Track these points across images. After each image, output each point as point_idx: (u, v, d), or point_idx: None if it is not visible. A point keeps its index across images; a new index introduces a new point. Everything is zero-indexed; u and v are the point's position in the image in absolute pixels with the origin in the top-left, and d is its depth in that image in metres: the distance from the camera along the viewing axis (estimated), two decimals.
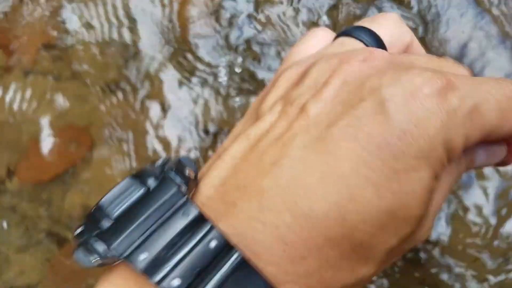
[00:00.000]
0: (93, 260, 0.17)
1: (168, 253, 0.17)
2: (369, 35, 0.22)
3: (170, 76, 0.46)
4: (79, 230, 0.18)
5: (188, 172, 0.18)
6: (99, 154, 0.46)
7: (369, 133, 0.17)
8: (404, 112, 0.17)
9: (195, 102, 0.45)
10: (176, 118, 0.45)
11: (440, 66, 0.20)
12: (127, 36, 0.48)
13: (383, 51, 0.20)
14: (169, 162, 0.19)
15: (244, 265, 0.16)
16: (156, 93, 0.46)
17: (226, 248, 0.17)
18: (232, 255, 0.17)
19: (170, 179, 0.18)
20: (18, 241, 0.44)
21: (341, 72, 0.19)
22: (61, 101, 0.48)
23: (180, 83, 0.46)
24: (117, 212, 0.18)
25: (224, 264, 0.16)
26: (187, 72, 0.46)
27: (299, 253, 0.17)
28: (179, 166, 0.18)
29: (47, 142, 0.47)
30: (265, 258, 0.17)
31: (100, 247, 0.17)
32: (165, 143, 0.45)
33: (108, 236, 0.17)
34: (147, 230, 0.17)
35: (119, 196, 0.18)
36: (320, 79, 0.19)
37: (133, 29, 0.48)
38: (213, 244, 0.17)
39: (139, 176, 0.18)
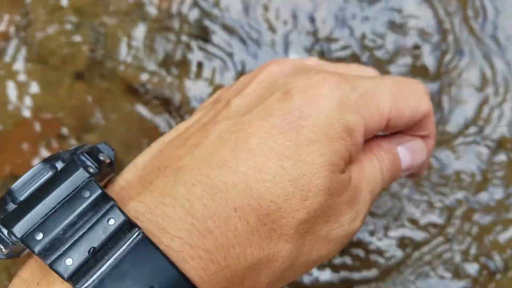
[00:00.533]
0: (3, 251, 0.17)
1: (66, 234, 0.16)
2: None
3: None
4: None
5: (102, 157, 0.19)
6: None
7: (275, 114, 0.20)
8: (302, 97, 0.20)
9: None
10: None
11: (347, 70, 0.23)
12: None
13: (294, 59, 0.24)
14: (83, 148, 0.19)
15: (145, 242, 0.16)
16: None
17: (126, 226, 0.16)
18: (133, 233, 0.16)
19: (78, 161, 0.18)
20: None
21: (259, 75, 0.22)
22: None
23: None
24: (23, 196, 0.17)
25: (124, 242, 0.16)
26: None
27: (206, 227, 0.17)
28: (93, 150, 0.19)
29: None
30: (172, 233, 0.17)
31: (4, 232, 0.17)
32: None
33: (9, 220, 0.17)
34: (49, 211, 0.17)
35: (29, 181, 0.18)
36: (245, 80, 0.23)
37: None
38: (111, 222, 0.16)
39: (49, 160, 0.18)
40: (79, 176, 0.17)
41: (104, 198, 0.17)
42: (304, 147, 0.19)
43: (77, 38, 0.39)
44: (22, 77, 0.40)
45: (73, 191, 0.17)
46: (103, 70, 0.39)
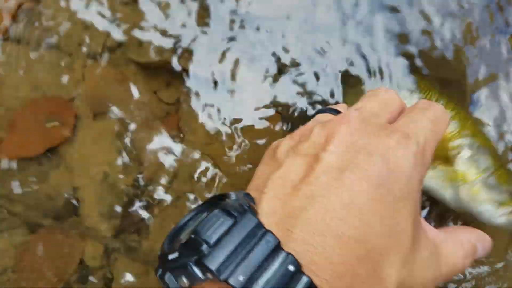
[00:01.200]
0: (181, 284, 0.21)
1: (257, 275, 0.20)
2: (334, 110, 0.30)
3: None
4: (174, 256, 0.21)
5: (252, 205, 0.23)
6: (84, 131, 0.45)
7: (369, 175, 0.23)
8: (385, 159, 0.24)
9: None
10: None
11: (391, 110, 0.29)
12: None
13: (355, 113, 0.27)
14: (239, 197, 0.24)
15: (313, 286, 0.20)
16: None
17: (298, 272, 0.21)
18: (301, 278, 0.20)
19: (250, 213, 0.22)
20: None
21: (335, 132, 0.26)
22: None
23: None
24: (214, 239, 0.21)
25: (297, 285, 0.20)
26: None
27: (340, 271, 0.21)
28: (247, 198, 0.23)
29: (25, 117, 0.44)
30: (321, 276, 0.21)
31: (199, 272, 0.20)
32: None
33: (209, 259, 0.20)
34: (239, 255, 0.20)
35: (212, 225, 0.21)
36: (321, 137, 0.26)
37: None
38: (291, 267, 0.20)
39: (226, 210, 0.22)
40: (256, 227, 0.22)
41: (279, 248, 0.21)
42: (396, 205, 0.23)
43: None
44: None
45: (253, 239, 0.21)
46: None
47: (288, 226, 0.22)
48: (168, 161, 0.43)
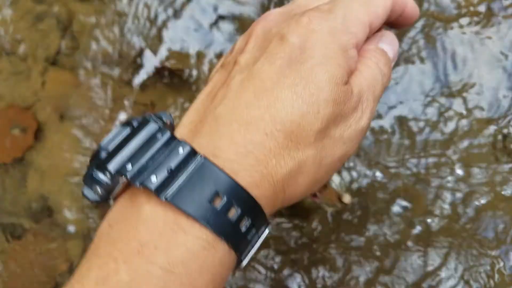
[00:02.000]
0: (96, 192, 0.22)
1: (148, 163, 0.22)
2: None
3: None
4: (85, 172, 0.23)
5: (165, 118, 0.24)
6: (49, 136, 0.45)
7: (279, 57, 0.24)
8: (297, 36, 0.24)
9: None
10: None
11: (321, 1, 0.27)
12: None
13: (276, 9, 0.28)
14: (149, 114, 0.25)
15: (207, 163, 0.22)
16: None
17: (191, 153, 0.22)
18: (197, 157, 0.22)
19: (150, 119, 0.24)
20: None
21: (254, 31, 0.27)
22: None
23: None
24: (111, 147, 0.23)
25: (192, 164, 0.22)
26: None
27: (247, 150, 0.23)
28: (157, 115, 0.24)
29: None
30: (223, 157, 0.23)
31: (100, 174, 0.22)
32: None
33: (103, 163, 0.22)
34: (134, 152, 0.22)
35: (113, 137, 0.23)
36: (241, 44, 0.27)
37: None
38: (181, 150, 0.22)
39: (126, 123, 0.24)
40: (152, 127, 0.23)
41: (173, 138, 0.23)
42: (309, 71, 0.24)
43: None
44: None
45: (149, 137, 0.23)
46: None
47: (199, 128, 0.24)
48: None
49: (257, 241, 0.24)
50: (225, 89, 0.25)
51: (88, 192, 0.23)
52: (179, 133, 0.25)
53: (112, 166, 0.22)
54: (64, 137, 0.44)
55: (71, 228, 0.42)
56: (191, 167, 0.22)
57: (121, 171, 0.22)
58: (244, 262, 0.24)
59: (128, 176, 0.22)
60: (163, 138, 0.23)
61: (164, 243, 0.21)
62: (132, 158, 0.22)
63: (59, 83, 0.46)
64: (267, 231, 0.24)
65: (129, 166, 0.22)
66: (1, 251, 0.41)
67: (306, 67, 0.24)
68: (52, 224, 0.42)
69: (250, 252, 0.24)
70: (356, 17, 0.26)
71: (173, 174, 0.22)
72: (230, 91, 0.24)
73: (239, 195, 0.22)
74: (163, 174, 0.22)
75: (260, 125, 0.23)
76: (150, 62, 0.45)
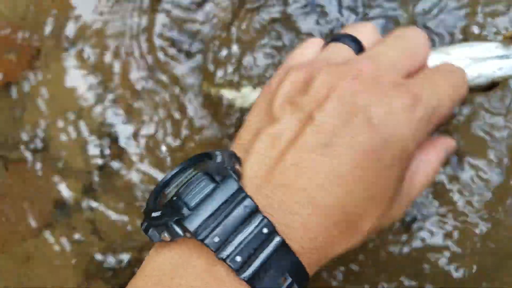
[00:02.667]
0: (163, 238, 0.22)
1: (232, 237, 0.22)
2: (352, 41, 0.28)
3: None
4: (157, 214, 0.23)
5: (237, 167, 0.24)
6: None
7: (360, 142, 0.23)
8: (384, 126, 0.24)
9: None
10: None
11: (403, 55, 0.27)
12: None
13: (368, 65, 0.26)
14: (225, 158, 0.24)
15: (284, 246, 0.22)
16: None
17: (272, 232, 0.22)
18: (274, 239, 0.22)
19: (232, 177, 0.23)
20: None
21: (338, 88, 0.24)
22: None
23: None
24: (194, 203, 0.22)
25: (269, 245, 0.22)
26: None
27: (314, 235, 0.23)
28: (233, 160, 0.24)
29: None
30: (294, 240, 0.23)
31: (179, 230, 0.22)
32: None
33: (187, 222, 0.22)
34: (217, 219, 0.22)
35: (194, 189, 0.22)
36: (322, 90, 0.25)
37: None
38: (265, 230, 0.22)
39: (208, 174, 0.23)
40: (237, 191, 0.22)
41: (256, 209, 0.22)
42: (383, 172, 0.24)
43: None
44: None
45: (233, 202, 0.22)
46: None
47: (268, 192, 0.23)
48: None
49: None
50: (297, 149, 0.24)
51: (154, 235, 0.23)
52: (248, 190, 0.23)
53: (197, 231, 0.22)
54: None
55: (67, 166, 0.41)
56: (270, 248, 0.22)
57: (206, 242, 0.21)
58: None
59: (214, 249, 0.21)
60: (244, 209, 0.22)
61: None
62: (217, 228, 0.22)
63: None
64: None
65: (215, 239, 0.21)
66: None
67: (381, 165, 0.24)
68: (46, 157, 0.41)
69: None
70: (441, 114, 0.26)
71: (255, 254, 0.22)
72: (303, 160, 0.23)
73: (301, 277, 0.23)
74: (246, 254, 0.21)
75: (332, 212, 0.23)
76: None
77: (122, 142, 0.42)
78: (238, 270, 0.21)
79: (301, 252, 0.23)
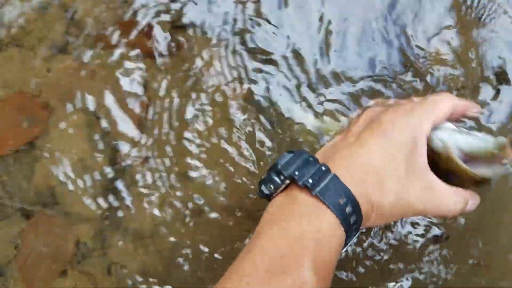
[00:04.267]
0: (270, 189, 0.37)
1: (306, 173, 0.36)
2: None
3: None
4: (263, 177, 0.38)
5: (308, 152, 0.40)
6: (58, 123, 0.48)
7: (376, 133, 0.38)
8: (389, 123, 0.38)
9: None
10: None
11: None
12: None
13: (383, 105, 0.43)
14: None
15: (336, 178, 0.36)
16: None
17: (327, 171, 0.36)
18: (331, 174, 0.36)
19: (305, 153, 0.38)
20: None
21: (363, 114, 0.41)
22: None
23: None
24: (283, 161, 0.37)
25: (328, 176, 0.36)
26: None
27: (358, 179, 0.37)
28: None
29: None
30: (347, 179, 0.36)
31: (275, 177, 0.37)
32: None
33: (281, 170, 0.37)
34: (298, 168, 0.37)
35: (283, 157, 0.38)
36: (358, 121, 0.41)
37: None
38: (323, 167, 0.36)
39: (289, 151, 0.39)
40: (305, 155, 0.38)
41: (318, 161, 0.38)
42: (395, 149, 0.37)
43: None
44: None
45: (305, 159, 0.37)
46: None
47: (326, 160, 0.38)
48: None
49: (355, 234, 0.37)
50: (340, 144, 0.39)
51: (264, 188, 0.37)
52: (320, 157, 0.38)
53: (286, 172, 0.36)
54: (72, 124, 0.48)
55: (78, 213, 0.46)
56: (328, 178, 0.36)
57: (292, 175, 0.36)
58: (346, 247, 0.37)
59: (297, 178, 0.36)
60: (313, 161, 0.37)
61: (312, 217, 0.35)
62: (297, 170, 0.36)
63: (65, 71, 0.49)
64: (359, 231, 0.38)
65: (296, 173, 0.36)
66: (18, 232, 0.46)
67: (393, 146, 0.37)
68: (59, 209, 0.46)
69: (350, 240, 0.37)
70: (429, 116, 0.39)
71: (319, 180, 0.35)
72: (343, 146, 0.39)
73: (352, 200, 0.35)
74: (314, 179, 0.35)
75: (367, 169, 0.37)
76: None
77: None
78: (311, 187, 0.35)
79: (352, 186, 0.36)
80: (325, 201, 0.35)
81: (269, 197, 0.38)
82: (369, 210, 0.36)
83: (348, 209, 0.35)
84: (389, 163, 0.37)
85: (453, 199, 0.37)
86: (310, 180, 0.35)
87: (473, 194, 0.39)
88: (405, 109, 0.38)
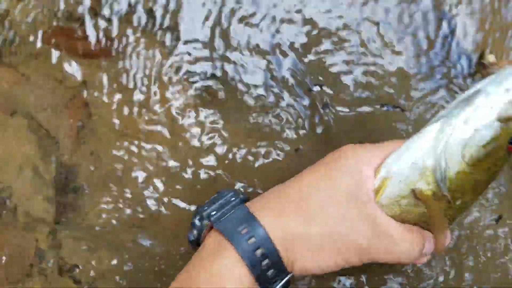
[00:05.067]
0: (193, 234, 0.37)
1: (223, 215, 0.37)
2: None
3: None
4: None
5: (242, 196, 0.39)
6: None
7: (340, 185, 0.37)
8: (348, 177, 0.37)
9: None
10: None
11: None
12: None
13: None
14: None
15: (242, 203, 0.38)
16: None
17: (248, 213, 0.36)
18: (239, 205, 0.38)
19: (240, 198, 0.39)
20: None
21: None
22: None
23: None
24: (206, 205, 0.38)
25: (236, 208, 0.37)
26: None
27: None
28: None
29: None
30: (256, 211, 0.37)
31: (196, 221, 0.37)
32: None
33: (201, 212, 0.37)
34: (220, 211, 0.37)
35: (209, 202, 0.38)
36: None
37: None
38: (245, 210, 0.36)
39: (218, 192, 0.40)
40: (229, 194, 0.39)
41: (249, 213, 0.36)
42: (348, 203, 0.37)
43: None
44: None
45: (227, 200, 0.38)
46: None
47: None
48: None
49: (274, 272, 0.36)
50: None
51: (190, 235, 0.37)
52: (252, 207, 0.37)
53: (204, 214, 0.37)
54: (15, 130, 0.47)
55: (31, 219, 0.47)
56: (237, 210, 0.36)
57: (216, 226, 0.35)
58: None
59: (212, 220, 0.36)
60: (235, 201, 0.38)
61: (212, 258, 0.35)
62: (216, 211, 0.37)
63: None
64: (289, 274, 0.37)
65: (213, 214, 0.37)
66: None
67: (350, 200, 0.37)
68: (11, 216, 0.47)
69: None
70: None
71: (224, 213, 0.36)
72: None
73: (255, 228, 0.35)
74: (222, 214, 0.36)
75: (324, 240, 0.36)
76: None
77: None
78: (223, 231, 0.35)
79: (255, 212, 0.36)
80: (223, 233, 0.34)
81: (197, 244, 0.37)
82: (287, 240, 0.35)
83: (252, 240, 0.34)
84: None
85: (408, 241, 0.36)
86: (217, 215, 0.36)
87: (429, 236, 0.37)
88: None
